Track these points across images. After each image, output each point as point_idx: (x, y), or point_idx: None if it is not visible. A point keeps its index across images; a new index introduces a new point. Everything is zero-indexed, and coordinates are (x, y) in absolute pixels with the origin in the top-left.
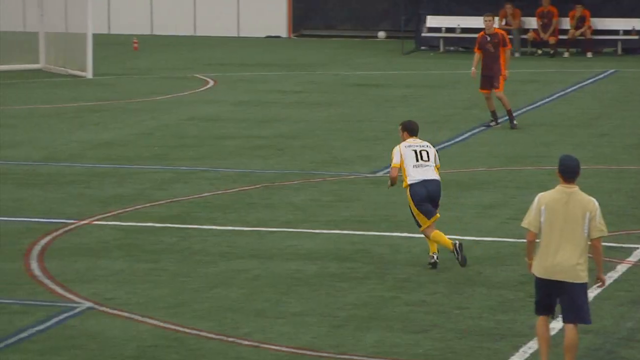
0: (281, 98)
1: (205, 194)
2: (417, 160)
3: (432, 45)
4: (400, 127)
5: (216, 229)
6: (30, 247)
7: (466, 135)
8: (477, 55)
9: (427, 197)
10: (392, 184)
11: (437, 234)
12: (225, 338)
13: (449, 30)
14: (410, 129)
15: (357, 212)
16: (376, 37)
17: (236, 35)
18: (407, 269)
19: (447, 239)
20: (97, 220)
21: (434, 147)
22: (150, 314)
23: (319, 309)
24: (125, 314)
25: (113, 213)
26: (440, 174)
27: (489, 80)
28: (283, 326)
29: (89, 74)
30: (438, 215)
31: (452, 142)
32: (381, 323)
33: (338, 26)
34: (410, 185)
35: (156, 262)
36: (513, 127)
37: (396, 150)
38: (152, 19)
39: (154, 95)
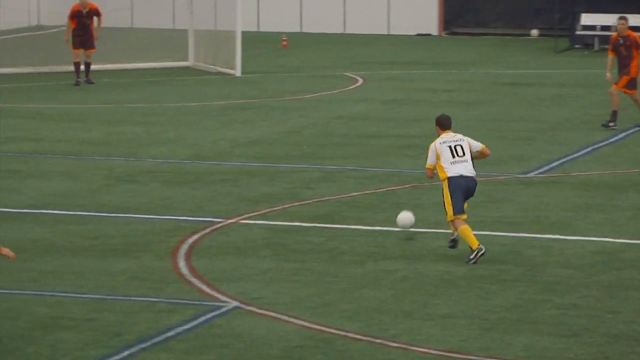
0: (431, 97)
1: (353, 194)
2: (454, 157)
3: (586, 43)
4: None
5: (364, 229)
6: (178, 245)
7: (621, 135)
8: (610, 57)
9: (465, 189)
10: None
11: (466, 228)
12: (372, 339)
13: (604, 28)
14: (442, 123)
15: (508, 213)
16: (529, 35)
17: (386, 33)
18: (559, 271)
19: (474, 238)
20: (245, 219)
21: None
22: (297, 314)
23: (467, 311)
24: (272, 314)
25: (261, 212)
26: (489, 150)
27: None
28: (431, 328)
29: (237, 71)
30: (466, 215)
31: (607, 142)
32: (531, 326)
33: (490, 24)
34: (450, 177)
35: (303, 261)
36: None
37: (431, 149)
38: (301, 16)
39: (302, 93)
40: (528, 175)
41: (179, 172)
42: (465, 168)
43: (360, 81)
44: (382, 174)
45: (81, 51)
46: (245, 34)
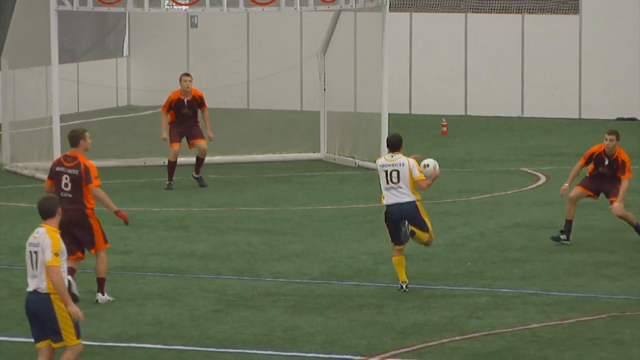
0: (637, 199)
1: (534, 325)
2: (387, 183)
3: None
4: None
5: None
6: None
7: None
8: None
9: (399, 218)
10: None
11: (398, 259)
12: None
13: None
14: (388, 143)
15: None
16: None
17: (576, 117)
18: None
19: (403, 272)
20: (392, 356)
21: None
22: None
23: None
24: None
25: (412, 347)
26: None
27: None
28: None
29: None
30: (402, 246)
31: None
32: None
33: None
34: (385, 206)
35: None
36: None
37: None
38: (466, 95)
39: (467, 194)
40: None
41: (307, 295)
42: (398, 195)
43: (543, 179)
44: (572, 299)
45: (178, 146)
46: (393, 118)
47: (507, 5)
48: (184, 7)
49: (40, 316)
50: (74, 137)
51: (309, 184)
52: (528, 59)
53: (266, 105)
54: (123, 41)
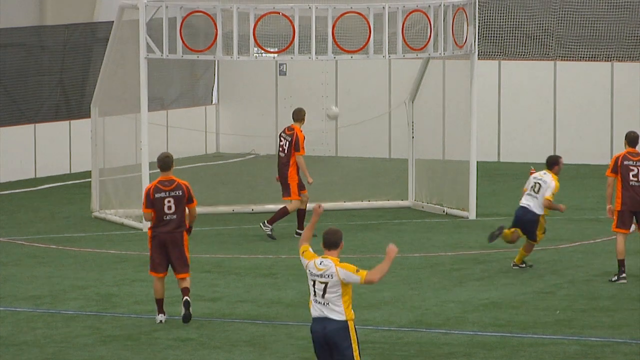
0: None
1: None
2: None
3: None
4: None
5: None
6: None
7: None
8: None
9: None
10: None
11: None
12: None
13: None
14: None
15: None
16: None
17: None
18: None
19: None
20: None
21: None
22: None
23: None
24: None
25: None
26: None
27: None
28: None
29: (471, 214)
30: None
31: None
32: None
33: None
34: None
35: None
36: None
37: None
38: (555, 142)
39: (556, 242)
40: None
41: (395, 342)
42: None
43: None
44: None
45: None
46: (482, 165)
47: (596, 53)
48: (273, 55)
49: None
50: (167, 162)
51: (396, 231)
52: (617, 106)
53: (355, 152)
54: (212, 88)
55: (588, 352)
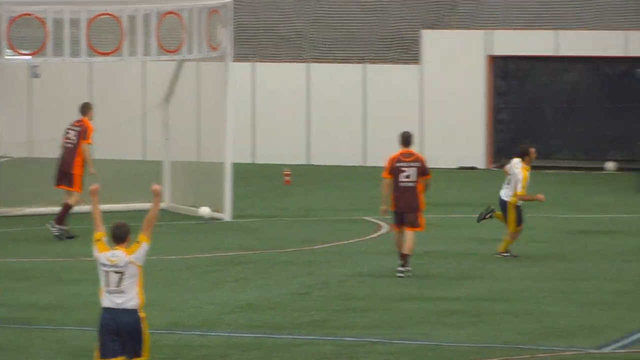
0: (477, 248)
1: None
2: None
3: None
4: None
5: None
6: None
7: None
8: None
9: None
10: None
11: None
12: None
13: None
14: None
15: None
16: (603, 169)
17: None
18: None
19: None
20: None
21: None
22: None
23: None
24: None
25: None
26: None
27: None
28: None
29: (227, 215)
30: None
31: None
32: None
33: (554, 155)
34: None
35: None
36: None
37: None
38: (308, 145)
39: (310, 243)
40: (603, 350)
41: (152, 345)
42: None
43: (385, 228)
44: (416, 347)
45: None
46: (237, 167)
47: (349, 55)
48: (27, 58)
49: None
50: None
51: (153, 233)
52: (369, 107)
53: (106, 155)
54: None
55: (342, 352)
